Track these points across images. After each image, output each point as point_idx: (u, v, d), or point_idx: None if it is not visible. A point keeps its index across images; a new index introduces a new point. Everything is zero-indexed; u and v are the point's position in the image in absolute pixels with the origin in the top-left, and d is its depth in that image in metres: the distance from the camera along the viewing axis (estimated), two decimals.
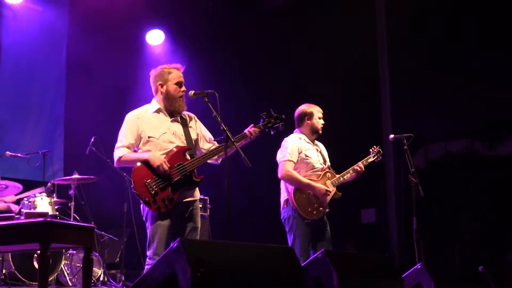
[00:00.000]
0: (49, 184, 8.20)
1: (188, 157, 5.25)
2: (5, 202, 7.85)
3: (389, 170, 10.18)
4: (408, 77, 9.80)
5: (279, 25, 10.45)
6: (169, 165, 5.11)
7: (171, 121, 5.37)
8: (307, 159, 6.40)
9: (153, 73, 5.48)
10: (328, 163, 6.61)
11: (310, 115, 6.55)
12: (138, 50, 10.52)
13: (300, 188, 6.30)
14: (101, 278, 8.19)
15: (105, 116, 9.54)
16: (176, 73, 5.41)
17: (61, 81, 10.23)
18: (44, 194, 7.78)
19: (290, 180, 6.32)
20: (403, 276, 5.38)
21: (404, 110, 9.80)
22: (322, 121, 6.58)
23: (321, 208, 6.29)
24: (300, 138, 6.49)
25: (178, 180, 5.15)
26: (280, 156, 6.44)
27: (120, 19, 9.88)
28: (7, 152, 8.13)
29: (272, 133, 5.55)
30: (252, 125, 5.45)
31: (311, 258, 4.78)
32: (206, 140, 5.52)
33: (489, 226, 9.15)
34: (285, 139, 6.45)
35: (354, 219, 10.42)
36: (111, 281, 8.34)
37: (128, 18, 10.01)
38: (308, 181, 6.32)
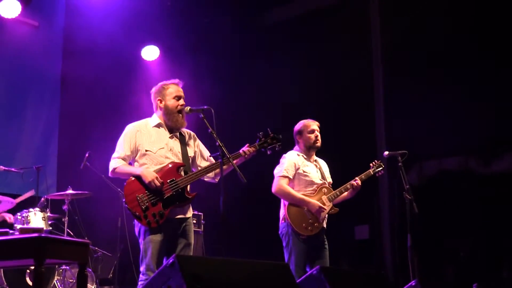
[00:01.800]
0: (42, 199, 8.18)
1: (182, 173, 5.26)
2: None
3: (382, 186, 10.18)
4: (403, 93, 9.81)
5: (277, 41, 10.50)
6: (161, 181, 5.13)
7: (170, 137, 5.40)
8: (306, 175, 6.42)
9: (153, 90, 5.54)
10: (329, 180, 6.61)
11: (300, 132, 6.58)
12: (133, 66, 10.52)
13: (293, 203, 6.29)
14: None
15: (100, 131, 9.53)
16: (174, 88, 5.46)
17: (56, 96, 10.22)
18: (37, 209, 7.75)
19: (283, 195, 6.34)
20: None
21: (398, 126, 9.82)
22: (315, 134, 6.55)
23: (316, 224, 6.28)
24: (298, 155, 6.52)
25: (170, 196, 5.16)
26: (276, 171, 6.47)
27: (115, 35, 9.89)
28: (0, 167, 8.10)
29: (268, 153, 5.57)
30: (247, 144, 5.46)
31: (306, 274, 4.77)
32: (204, 158, 5.54)
33: (484, 243, 9.15)
34: (284, 155, 6.48)
35: (348, 235, 10.39)
36: None
37: (123, 33, 10.03)
38: (302, 196, 6.32)
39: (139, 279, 5.13)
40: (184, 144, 5.44)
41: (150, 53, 10.56)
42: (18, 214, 7.66)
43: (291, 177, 6.38)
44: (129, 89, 10.13)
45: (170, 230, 5.18)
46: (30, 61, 9.87)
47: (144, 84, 10.01)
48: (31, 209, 7.69)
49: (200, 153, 5.54)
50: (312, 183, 6.43)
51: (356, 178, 6.56)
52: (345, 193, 6.56)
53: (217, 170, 5.28)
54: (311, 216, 6.28)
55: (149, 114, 5.70)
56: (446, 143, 9.49)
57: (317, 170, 6.56)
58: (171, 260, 3.80)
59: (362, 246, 10.36)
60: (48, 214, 7.87)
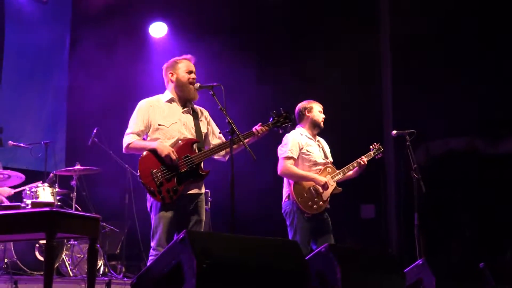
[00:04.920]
0: (51, 174, 8.22)
1: (196, 150, 5.26)
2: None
3: (389, 166, 10.21)
4: (410, 73, 9.82)
5: (284, 18, 10.44)
6: (177, 156, 5.13)
7: (183, 112, 5.39)
8: (309, 154, 6.44)
9: (165, 66, 5.53)
10: (330, 159, 6.63)
11: (309, 109, 6.58)
12: (141, 43, 10.51)
13: (300, 181, 6.32)
14: (102, 269, 8.22)
15: (108, 107, 9.55)
16: (186, 63, 5.45)
17: (64, 72, 10.24)
18: (46, 184, 7.80)
19: (289, 175, 6.37)
20: (404, 271, 5.41)
21: (406, 106, 9.82)
22: (323, 115, 6.60)
23: (321, 203, 6.32)
24: (301, 134, 6.53)
25: (185, 172, 5.16)
26: (280, 152, 6.48)
27: (123, 12, 9.88)
28: (10, 142, 8.14)
29: (280, 132, 5.60)
30: (260, 123, 5.47)
31: (314, 252, 4.80)
32: (215, 135, 5.54)
33: (489, 223, 9.17)
34: (286, 135, 6.45)
35: (353, 214, 10.43)
36: (112, 272, 8.36)
37: (131, 10, 10.02)
38: (308, 173, 6.35)
39: (150, 254, 5.15)
40: (197, 119, 5.43)
41: (158, 30, 10.54)
42: (27, 189, 7.70)
43: (296, 157, 6.40)
44: (137, 66, 10.13)
45: (182, 206, 5.18)
46: (38, 38, 9.88)
47: (153, 61, 10.05)
48: (39, 184, 7.73)
49: (212, 130, 5.54)
50: (315, 163, 6.45)
51: (362, 157, 6.57)
52: (350, 172, 6.59)
53: (229, 149, 5.26)
54: (317, 195, 6.32)
55: (157, 89, 5.70)
56: (453, 124, 9.49)
57: (320, 150, 6.58)
58: (181, 236, 3.82)
59: (367, 225, 10.39)
60: (57, 189, 7.91)
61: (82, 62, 9.95)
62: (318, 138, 6.66)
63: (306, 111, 6.58)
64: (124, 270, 8.56)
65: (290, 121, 5.57)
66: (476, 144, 9.69)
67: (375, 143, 6.82)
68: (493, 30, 9.28)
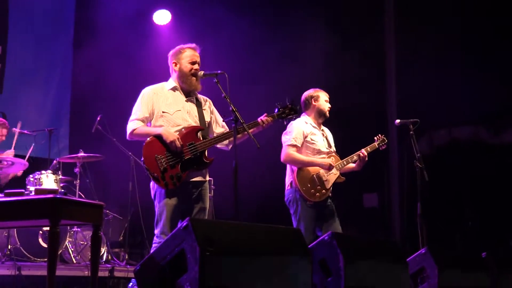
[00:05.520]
0: (54, 161, 8.25)
1: (201, 137, 5.27)
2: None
3: (392, 154, 10.20)
4: (414, 62, 9.79)
5: (289, 6, 10.41)
6: (181, 143, 5.13)
7: (186, 101, 5.40)
8: (313, 143, 6.44)
9: (170, 53, 5.52)
10: (334, 148, 6.64)
11: (316, 97, 6.58)
12: (145, 30, 10.49)
13: (304, 167, 6.33)
14: (105, 257, 8.25)
15: (112, 95, 9.55)
16: (190, 52, 5.44)
17: (68, 59, 10.24)
18: (49, 171, 7.82)
19: (293, 161, 6.37)
20: (407, 260, 5.42)
21: (410, 95, 9.80)
22: (329, 105, 6.60)
23: (323, 191, 6.32)
24: (306, 122, 6.53)
25: (189, 159, 5.17)
26: (284, 139, 6.48)
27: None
28: (14, 129, 8.15)
29: (285, 123, 5.63)
30: (265, 114, 5.48)
31: (317, 240, 4.80)
32: (219, 124, 5.55)
33: (492, 212, 9.18)
34: (291, 122, 6.44)
35: (356, 203, 10.44)
36: (115, 259, 8.39)
37: None
38: (312, 158, 6.37)
39: (153, 241, 5.16)
40: (200, 108, 5.44)
41: (162, 17, 10.51)
42: (31, 176, 7.72)
43: (300, 146, 6.40)
44: (141, 53, 10.12)
45: (185, 193, 5.19)
46: (43, 24, 9.89)
47: (156, 48, 10.03)
48: (43, 171, 7.76)
49: (215, 119, 5.55)
50: (319, 151, 6.46)
51: (362, 149, 6.57)
52: (353, 165, 6.60)
53: (232, 139, 5.26)
54: (320, 183, 6.33)
55: (161, 77, 5.70)
56: (456, 113, 9.48)
57: (324, 139, 6.59)
58: (184, 223, 3.83)
59: (370, 214, 10.40)
60: (60, 176, 7.94)
61: (87, 49, 9.95)
62: (322, 127, 6.66)
63: (312, 99, 6.58)
64: (127, 257, 8.58)
65: (296, 113, 5.59)
66: (479, 134, 9.67)
67: (379, 135, 6.81)
68: (497, 17, 9.24)
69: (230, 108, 5.10)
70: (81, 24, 10.22)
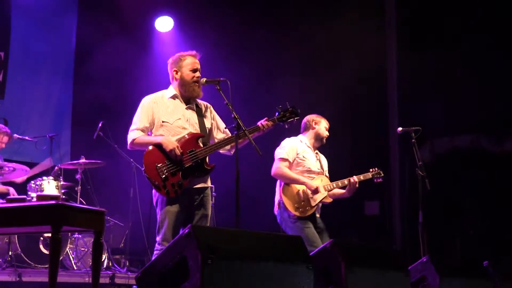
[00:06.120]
0: (56, 168, 8.25)
1: (201, 144, 5.27)
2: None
3: (394, 162, 10.20)
4: (416, 70, 9.79)
5: (290, 13, 10.42)
6: (181, 151, 5.13)
7: (186, 108, 5.40)
8: (304, 160, 6.51)
9: (170, 61, 5.52)
10: (326, 173, 6.68)
11: (317, 122, 6.68)
12: (147, 37, 10.51)
13: (290, 183, 6.38)
14: (106, 263, 8.25)
15: (113, 101, 9.56)
16: (190, 59, 5.44)
17: (70, 66, 10.26)
18: (51, 177, 7.82)
19: (282, 176, 6.43)
20: (408, 268, 5.41)
21: (411, 103, 9.81)
22: (327, 133, 6.70)
23: (307, 208, 6.36)
24: (301, 141, 6.62)
25: (189, 166, 5.17)
26: (277, 153, 6.56)
27: (129, 6, 9.88)
28: (15, 135, 8.16)
29: (286, 127, 5.61)
30: (266, 118, 5.48)
31: (319, 248, 4.80)
32: (220, 130, 5.55)
33: (494, 221, 9.16)
34: (286, 138, 6.52)
35: (357, 210, 10.43)
36: (116, 266, 8.39)
37: (137, 4, 10.01)
38: (300, 176, 6.42)
39: (155, 248, 5.16)
40: (201, 115, 5.45)
41: (164, 24, 10.53)
42: (32, 182, 7.74)
43: (291, 161, 6.46)
44: (143, 60, 10.14)
45: (187, 200, 5.19)
46: (45, 30, 9.91)
47: (158, 56, 10.04)
48: (44, 178, 7.78)
49: (216, 125, 5.55)
50: (309, 170, 6.50)
51: (354, 176, 6.58)
52: (343, 190, 6.62)
53: (233, 144, 5.26)
54: (304, 199, 6.35)
55: (162, 84, 5.71)
56: (458, 121, 9.48)
57: (317, 161, 6.64)
58: (186, 230, 3.83)
59: (371, 221, 10.39)
60: (62, 182, 7.94)
61: (88, 56, 9.97)
62: (317, 151, 6.72)
63: (313, 122, 6.66)
64: (127, 264, 8.59)
65: (297, 116, 5.58)
66: (481, 142, 9.67)
67: (375, 168, 6.80)
68: (498, 27, 9.25)
69: (232, 115, 5.10)
70: (83, 31, 10.23)
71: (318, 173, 6.54)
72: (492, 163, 9.38)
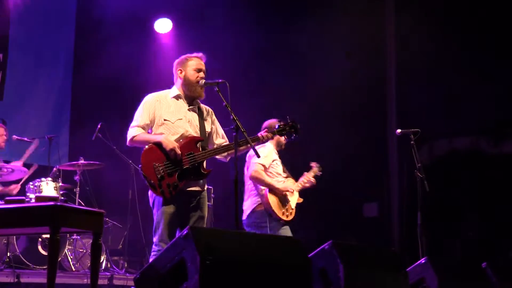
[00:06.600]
0: (54, 169, 8.25)
1: (200, 148, 5.27)
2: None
3: (392, 164, 10.20)
4: (414, 73, 9.80)
5: (289, 14, 10.43)
6: (180, 152, 5.13)
7: (189, 109, 5.40)
8: (277, 165, 6.78)
9: (176, 61, 5.53)
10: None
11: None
12: (146, 38, 10.51)
13: (266, 187, 6.63)
14: (104, 264, 8.24)
15: (112, 103, 9.55)
16: (196, 61, 5.45)
17: (69, 67, 10.26)
18: (49, 179, 7.81)
19: (259, 179, 6.62)
20: (407, 270, 5.41)
21: (410, 105, 9.82)
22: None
23: (290, 211, 6.70)
24: (274, 148, 6.85)
25: (187, 169, 5.16)
26: (253, 158, 6.66)
27: (128, 7, 9.87)
28: (14, 136, 8.16)
29: (284, 139, 5.70)
30: (266, 129, 5.65)
31: (317, 249, 4.80)
32: (219, 135, 5.56)
33: (492, 223, 9.17)
34: (265, 144, 6.51)
35: (356, 212, 10.44)
36: (114, 267, 8.37)
37: (136, 6, 10.00)
38: (276, 183, 6.66)
39: (152, 249, 5.15)
40: (202, 118, 5.44)
41: (163, 25, 10.53)
42: (31, 183, 7.72)
43: (267, 166, 6.67)
44: (142, 62, 10.13)
45: (182, 202, 5.18)
46: (43, 34, 9.91)
47: (157, 57, 10.04)
48: (43, 179, 7.75)
49: (216, 129, 5.56)
50: (278, 174, 6.75)
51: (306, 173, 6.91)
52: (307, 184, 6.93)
53: (231, 151, 5.29)
54: (286, 203, 6.66)
55: (162, 84, 5.70)
56: (457, 123, 9.49)
57: (281, 164, 6.89)
58: (184, 232, 3.83)
59: (370, 223, 10.40)
60: (60, 184, 7.93)
61: (87, 57, 9.97)
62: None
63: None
64: (126, 265, 8.58)
65: (296, 131, 5.62)
66: (480, 144, 9.68)
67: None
68: (496, 27, 9.26)
69: (231, 117, 5.10)
70: (83, 31, 10.22)
71: (286, 176, 6.82)
72: (490, 165, 9.39)
